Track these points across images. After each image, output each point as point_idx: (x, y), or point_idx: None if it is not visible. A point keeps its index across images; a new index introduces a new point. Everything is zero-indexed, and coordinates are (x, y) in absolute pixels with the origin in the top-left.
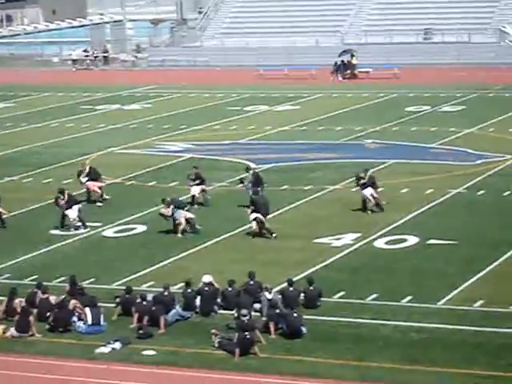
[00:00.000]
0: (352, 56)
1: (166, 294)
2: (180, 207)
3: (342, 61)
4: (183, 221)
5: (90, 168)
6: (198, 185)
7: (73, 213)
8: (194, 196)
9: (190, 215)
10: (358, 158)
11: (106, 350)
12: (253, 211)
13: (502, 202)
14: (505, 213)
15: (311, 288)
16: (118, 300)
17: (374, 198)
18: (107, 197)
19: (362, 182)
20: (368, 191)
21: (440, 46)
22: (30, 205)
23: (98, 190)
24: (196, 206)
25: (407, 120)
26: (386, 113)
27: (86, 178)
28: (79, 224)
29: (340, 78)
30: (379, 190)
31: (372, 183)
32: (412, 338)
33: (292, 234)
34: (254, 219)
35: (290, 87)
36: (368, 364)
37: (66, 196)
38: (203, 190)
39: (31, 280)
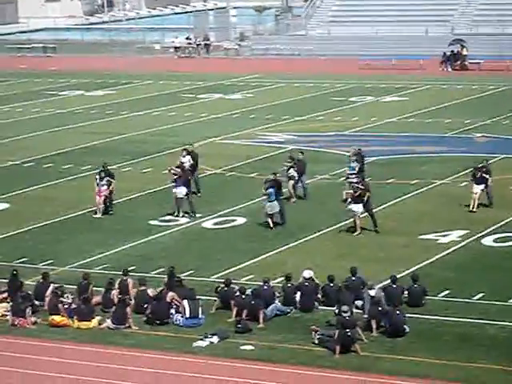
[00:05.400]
0: (462, 47)
1: (265, 287)
2: None
3: (452, 51)
4: None
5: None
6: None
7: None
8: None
9: None
10: (467, 153)
11: (203, 343)
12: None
13: None
14: None
15: (415, 286)
16: (217, 291)
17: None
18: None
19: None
20: (477, 188)
21: None
22: (129, 194)
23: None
24: None
25: None
26: (496, 106)
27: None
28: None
29: (449, 69)
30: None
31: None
32: None
33: (396, 230)
34: None
35: (397, 78)
36: (473, 365)
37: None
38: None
39: (129, 271)
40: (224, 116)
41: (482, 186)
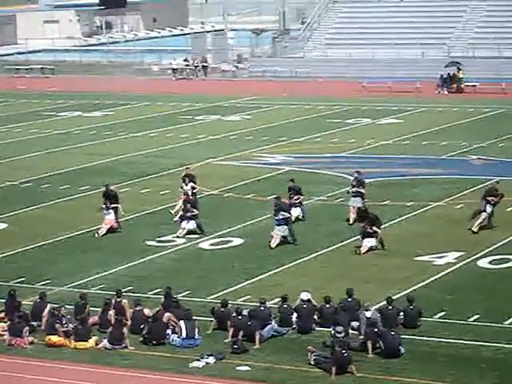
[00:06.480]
0: (458, 69)
1: (262, 308)
2: None
3: (448, 73)
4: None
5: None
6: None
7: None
8: None
9: None
10: (463, 175)
11: (199, 364)
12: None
13: None
14: None
15: (411, 307)
16: (213, 312)
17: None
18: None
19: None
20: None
21: None
22: (126, 215)
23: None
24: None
25: None
26: (492, 128)
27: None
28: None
29: (445, 92)
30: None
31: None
32: None
33: (392, 251)
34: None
35: (393, 100)
36: None
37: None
38: None
39: (126, 291)
40: (221, 137)
41: (490, 209)
